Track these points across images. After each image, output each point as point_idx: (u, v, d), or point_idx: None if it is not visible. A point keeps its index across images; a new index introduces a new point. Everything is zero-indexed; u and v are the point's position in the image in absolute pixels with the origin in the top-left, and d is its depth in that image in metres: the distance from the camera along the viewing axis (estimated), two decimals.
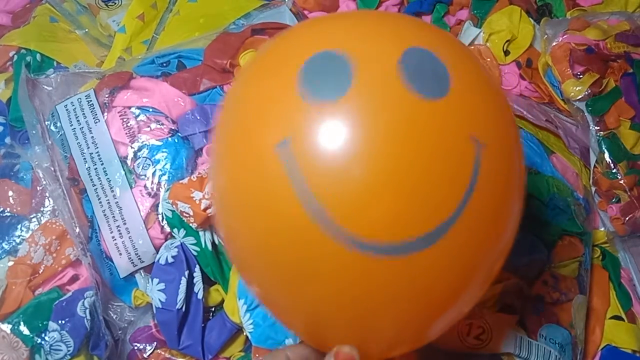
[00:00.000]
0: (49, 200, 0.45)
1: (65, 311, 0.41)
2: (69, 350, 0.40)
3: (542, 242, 0.45)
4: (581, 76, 0.53)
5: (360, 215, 0.24)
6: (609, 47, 0.54)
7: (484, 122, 0.27)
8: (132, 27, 0.59)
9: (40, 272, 0.43)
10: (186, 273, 0.41)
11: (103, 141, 0.45)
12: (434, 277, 0.26)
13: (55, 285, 0.44)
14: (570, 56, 0.54)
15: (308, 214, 0.25)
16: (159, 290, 0.41)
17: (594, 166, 0.53)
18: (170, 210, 0.42)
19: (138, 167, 0.44)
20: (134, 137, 0.44)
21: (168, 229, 0.43)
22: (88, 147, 0.45)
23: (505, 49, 0.57)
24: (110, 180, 0.44)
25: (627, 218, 0.51)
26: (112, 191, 0.44)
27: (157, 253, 0.43)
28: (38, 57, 0.57)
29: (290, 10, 0.54)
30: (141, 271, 0.44)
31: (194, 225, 0.41)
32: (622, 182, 0.52)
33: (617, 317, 0.48)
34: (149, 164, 0.44)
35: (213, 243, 0.43)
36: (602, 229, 0.53)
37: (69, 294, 0.43)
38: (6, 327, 0.40)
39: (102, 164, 0.44)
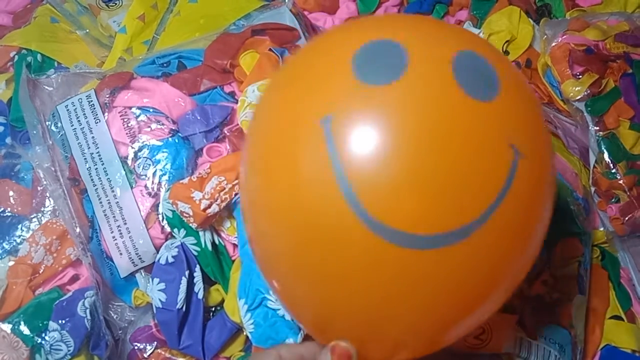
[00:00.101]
0: (50, 200, 0.45)
1: (66, 311, 0.41)
2: (69, 350, 0.40)
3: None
4: (580, 76, 0.53)
5: (390, 204, 0.24)
6: (608, 48, 0.54)
7: (524, 132, 0.27)
8: (133, 28, 0.59)
9: (40, 272, 0.43)
10: (186, 273, 0.41)
11: (104, 141, 0.45)
12: (459, 274, 0.26)
13: (55, 285, 0.44)
14: (570, 56, 0.54)
15: (341, 195, 0.25)
16: (159, 290, 0.41)
17: (594, 166, 0.53)
18: (171, 210, 0.42)
19: (138, 167, 0.44)
20: (134, 137, 0.45)
21: (168, 229, 0.43)
22: (89, 147, 0.45)
23: (504, 50, 0.57)
24: (110, 180, 0.44)
25: (626, 218, 0.51)
26: (113, 191, 0.44)
27: (158, 253, 0.43)
28: (39, 57, 0.57)
29: (290, 10, 0.54)
30: (141, 271, 0.44)
31: (193, 226, 0.41)
32: (621, 182, 0.52)
33: (616, 317, 0.48)
34: (150, 164, 0.44)
35: (213, 243, 0.43)
36: (602, 229, 0.53)
37: (69, 293, 0.43)
38: (6, 327, 0.40)
39: (102, 164, 0.44)
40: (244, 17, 0.58)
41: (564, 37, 0.55)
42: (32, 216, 0.44)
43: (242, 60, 0.48)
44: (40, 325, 0.41)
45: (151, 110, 0.46)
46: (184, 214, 0.41)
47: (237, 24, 0.57)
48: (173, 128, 0.45)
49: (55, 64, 0.57)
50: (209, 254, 0.42)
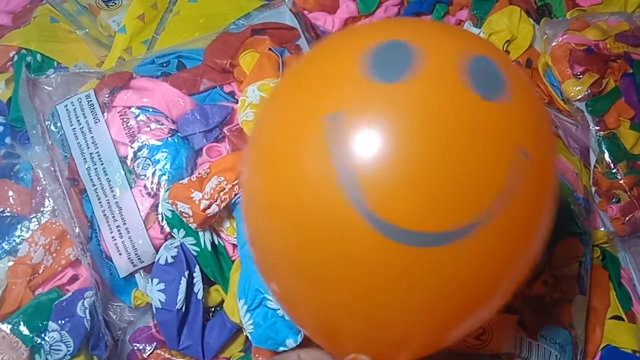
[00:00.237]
0: (49, 200, 0.45)
1: (65, 311, 0.41)
2: (68, 351, 0.40)
3: None
4: (581, 76, 0.53)
5: (394, 201, 0.24)
6: (608, 48, 0.54)
7: (532, 134, 0.27)
8: (133, 27, 0.59)
9: (40, 272, 0.43)
10: (186, 273, 0.41)
11: (103, 141, 0.45)
12: (464, 272, 0.26)
13: (55, 285, 0.44)
14: (570, 56, 0.54)
15: (346, 192, 0.24)
16: (158, 291, 0.41)
17: (594, 166, 0.53)
18: (170, 210, 0.42)
19: (138, 167, 0.44)
20: (134, 137, 0.44)
21: (168, 229, 0.43)
22: (88, 147, 0.45)
23: (505, 49, 0.57)
24: (110, 180, 0.44)
25: (627, 218, 0.51)
26: (112, 191, 0.44)
27: (157, 253, 0.43)
28: (38, 57, 0.57)
29: (290, 10, 0.54)
30: (141, 271, 0.44)
31: (193, 226, 0.41)
32: (622, 182, 0.52)
33: (617, 317, 0.48)
34: (149, 164, 0.44)
35: (212, 243, 0.43)
36: (602, 229, 0.53)
37: (69, 294, 0.43)
38: (6, 327, 0.40)
39: (102, 164, 0.44)
40: (244, 17, 0.58)
41: (565, 36, 0.55)
42: (31, 216, 0.44)
43: (242, 59, 0.48)
44: (40, 325, 0.41)
45: (151, 110, 0.45)
46: (184, 214, 0.41)
47: (237, 23, 0.57)
48: (172, 128, 0.45)
49: (55, 63, 0.57)
50: (209, 254, 0.42)
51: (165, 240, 0.43)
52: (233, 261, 0.44)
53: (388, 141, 0.25)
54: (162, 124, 0.45)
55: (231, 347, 0.44)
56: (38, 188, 0.45)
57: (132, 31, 0.59)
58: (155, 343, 0.44)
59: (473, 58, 0.27)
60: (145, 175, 0.44)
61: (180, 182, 0.42)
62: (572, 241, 0.47)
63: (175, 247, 0.42)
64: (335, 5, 0.62)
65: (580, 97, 0.53)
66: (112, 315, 0.44)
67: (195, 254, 0.42)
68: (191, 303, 0.42)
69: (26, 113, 0.46)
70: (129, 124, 0.45)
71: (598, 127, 0.53)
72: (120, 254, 0.43)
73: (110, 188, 0.44)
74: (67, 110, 0.46)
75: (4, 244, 0.43)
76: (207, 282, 0.43)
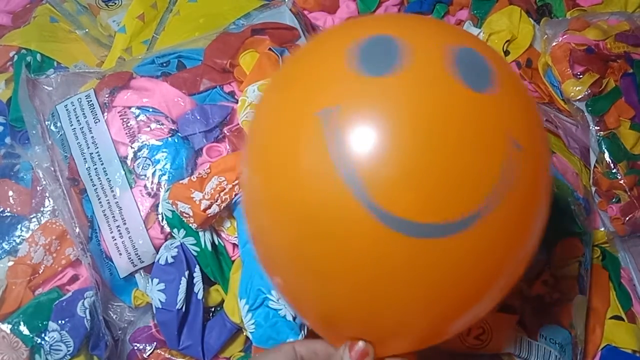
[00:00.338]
0: (49, 200, 0.45)
1: (65, 311, 0.41)
2: (68, 350, 0.40)
3: (542, 242, 0.45)
4: (581, 76, 0.53)
5: (393, 192, 0.25)
6: (609, 47, 0.54)
7: (523, 125, 0.27)
8: (132, 27, 0.59)
9: (40, 272, 0.43)
10: (186, 273, 0.41)
11: (103, 141, 0.45)
12: (464, 263, 0.26)
13: (55, 285, 0.44)
14: (570, 56, 0.54)
15: (346, 185, 0.25)
16: (158, 291, 0.41)
17: (594, 166, 0.53)
18: (170, 210, 0.42)
19: (138, 167, 0.44)
20: (134, 137, 0.44)
21: (168, 229, 0.43)
22: (88, 147, 0.45)
23: (505, 49, 0.57)
24: (110, 180, 0.44)
25: (627, 218, 0.51)
26: (112, 191, 0.44)
27: (157, 253, 0.43)
28: (38, 57, 0.57)
29: (290, 10, 0.54)
30: (141, 271, 0.44)
31: (193, 226, 0.41)
32: (622, 182, 0.52)
33: (617, 317, 0.48)
34: (149, 164, 0.44)
35: (213, 243, 0.43)
36: (602, 229, 0.53)
37: (69, 294, 0.43)
38: (6, 327, 0.40)
39: (102, 164, 0.44)
40: (244, 17, 0.58)
41: (565, 36, 0.54)
42: (31, 216, 0.44)
43: (242, 59, 0.48)
44: (40, 325, 0.41)
45: (151, 110, 0.45)
46: (184, 215, 0.41)
47: (237, 23, 0.57)
48: (173, 128, 0.45)
49: (55, 63, 0.57)
50: (209, 254, 0.42)
51: (166, 240, 0.43)
52: (233, 261, 0.44)
53: (385, 134, 0.25)
54: (162, 124, 0.45)
55: (231, 347, 0.44)
56: (38, 188, 0.45)
57: (132, 31, 0.59)
58: (155, 343, 0.44)
59: (459, 50, 0.27)
60: (145, 175, 0.44)
61: (181, 182, 0.42)
62: (572, 241, 0.47)
63: (175, 247, 0.42)
64: (335, 5, 0.62)
65: (580, 97, 0.53)
66: (112, 315, 0.44)
67: (195, 254, 0.42)
68: (191, 303, 0.42)
69: (26, 113, 0.46)
70: (129, 124, 0.45)
71: (598, 127, 0.53)
72: (120, 254, 0.43)
73: (111, 188, 0.44)
74: (67, 110, 0.46)
75: (4, 244, 0.43)
76: (207, 282, 0.43)
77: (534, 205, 0.28)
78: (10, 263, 0.43)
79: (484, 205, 0.25)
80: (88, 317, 0.41)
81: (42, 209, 0.45)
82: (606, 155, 0.52)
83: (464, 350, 0.41)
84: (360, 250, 0.26)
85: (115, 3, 0.62)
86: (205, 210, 0.41)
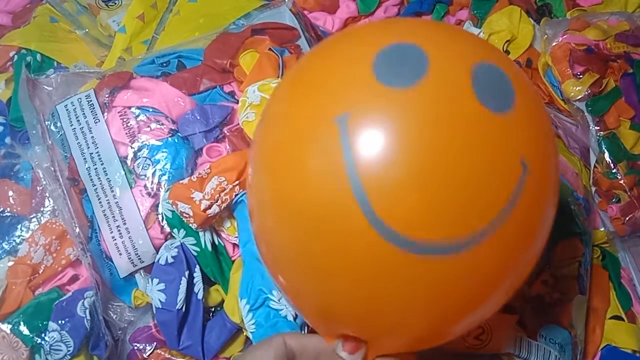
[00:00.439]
0: (49, 200, 0.45)
1: (65, 311, 0.41)
2: (68, 351, 0.40)
3: None
4: (581, 76, 0.53)
5: (397, 208, 0.25)
6: (608, 47, 0.54)
7: (535, 147, 0.27)
8: (132, 27, 0.59)
9: (40, 272, 0.43)
10: (186, 273, 0.41)
11: (103, 141, 0.45)
12: (458, 282, 0.26)
13: (55, 285, 0.44)
14: (570, 56, 0.54)
15: (351, 190, 0.25)
16: (158, 291, 0.41)
17: (594, 166, 0.53)
18: (170, 210, 0.42)
19: (138, 167, 0.44)
20: (134, 137, 0.44)
21: (168, 229, 0.43)
22: (88, 147, 0.45)
23: (505, 49, 0.57)
24: (110, 180, 0.44)
25: (627, 218, 0.51)
26: (112, 191, 0.44)
27: (157, 253, 0.43)
28: (38, 57, 0.57)
29: (290, 10, 0.54)
30: (141, 271, 0.44)
31: (193, 226, 0.41)
32: (622, 182, 0.52)
33: (617, 317, 0.48)
34: (149, 164, 0.44)
35: (213, 243, 0.43)
36: (602, 229, 0.53)
37: (69, 294, 0.43)
38: (6, 327, 0.40)
39: (102, 164, 0.44)
40: (244, 17, 0.58)
41: (565, 36, 0.55)
42: (31, 216, 0.44)
43: (242, 59, 0.48)
44: (40, 325, 0.41)
45: (151, 110, 0.45)
46: (184, 215, 0.41)
47: (237, 23, 0.57)
48: (173, 128, 0.45)
49: (55, 63, 0.57)
50: (209, 254, 0.42)
51: (166, 240, 0.43)
52: (233, 261, 0.44)
53: (395, 145, 0.25)
54: (162, 124, 0.45)
55: (231, 347, 0.43)
56: (38, 188, 0.45)
57: (132, 31, 0.59)
58: (155, 343, 0.44)
59: (483, 67, 0.27)
60: (145, 175, 0.44)
61: (181, 182, 0.42)
62: (572, 241, 0.47)
63: (175, 247, 0.42)
64: (335, 5, 0.62)
65: (580, 97, 0.53)
66: (112, 315, 0.44)
67: (195, 254, 0.42)
68: (191, 303, 0.42)
69: (26, 113, 0.46)
70: (129, 124, 0.45)
71: (598, 127, 0.53)
72: (120, 254, 0.43)
73: (111, 188, 0.44)
74: (67, 110, 0.46)
75: (4, 244, 0.43)
76: (207, 282, 0.43)
77: (539, 223, 0.28)
78: (10, 263, 0.43)
79: (488, 225, 0.25)
80: (88, 317, 0.41)
81: (42, 209, 0.45)
82: (606, 155, 0.52)
83: (463, 350, 0.41)
84: (361, 262, 0.26)
85: (115, 3, 0.62)
86: (205, 210, 0.41)
